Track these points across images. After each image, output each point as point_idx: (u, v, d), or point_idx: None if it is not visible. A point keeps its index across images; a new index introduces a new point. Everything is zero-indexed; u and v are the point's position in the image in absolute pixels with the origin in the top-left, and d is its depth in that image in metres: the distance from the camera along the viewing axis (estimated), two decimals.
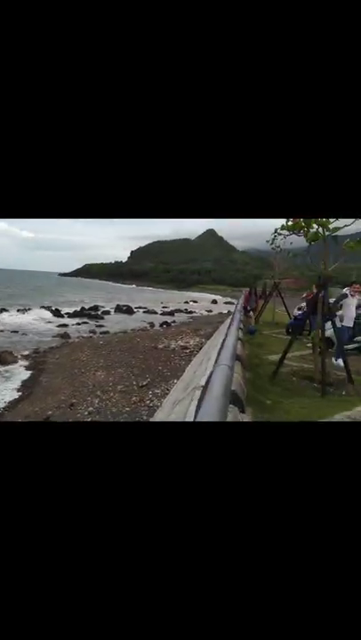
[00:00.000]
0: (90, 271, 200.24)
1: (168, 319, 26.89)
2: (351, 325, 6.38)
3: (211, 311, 37.21)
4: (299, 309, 9.24)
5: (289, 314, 11.75)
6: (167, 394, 7.94)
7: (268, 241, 11.64)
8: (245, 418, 3.51)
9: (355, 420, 3.73)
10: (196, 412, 1.66)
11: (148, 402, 7.98)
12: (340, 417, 3.77)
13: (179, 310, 35.65)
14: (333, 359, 6.13)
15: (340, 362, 5.47)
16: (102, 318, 26.42)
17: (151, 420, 6.46)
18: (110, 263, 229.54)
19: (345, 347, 6.68)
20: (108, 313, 30.02)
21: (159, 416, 6.31)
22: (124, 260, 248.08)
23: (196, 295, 72.33)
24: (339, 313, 6.18)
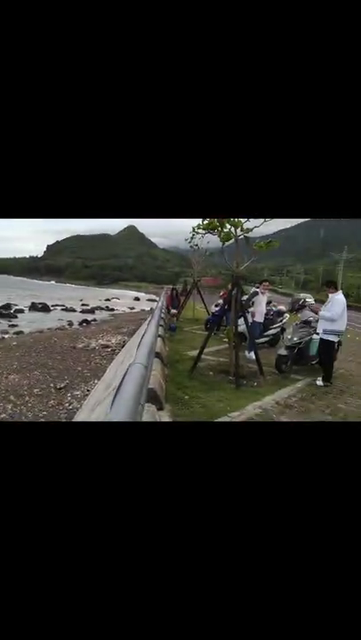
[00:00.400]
0: (1, 266, 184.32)
1: (88, 317, 26.03)
2: (262, 321, 6.86)
3: (133, 308, 37.00)
4: (216, 306, 9.65)
5: (208, 310, 12.22)
6: (88, 395, 7.68)
7: (186, 239, 11.92)
8: (164, 415, 3.55)
9: (265, 409, 4.02)
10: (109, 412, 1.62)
11: (66, 404, 7.62)
12: (251, 407, 4.03)
13: (100, 308, 34.75)
14: (246, 353, 6.54)
15: (253, 355, 5.85)
16: (15, 317, 24.46)
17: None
18: (24, 258, 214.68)
19: (257, 341, 7.17)
20: (21, 311, 27.93)
21: (80, 418, 6.07)
22: (39, 255, 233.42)
23: (117, 292, 71.24)
24: (251, 309, 6.60)
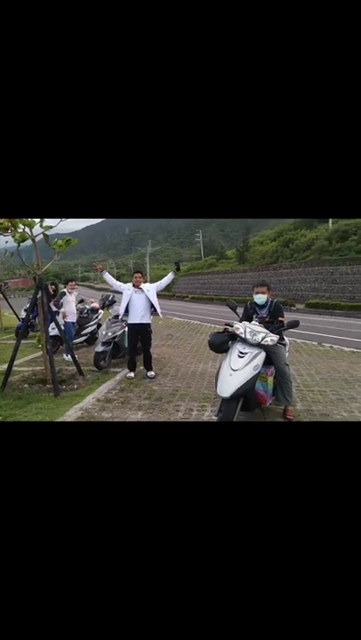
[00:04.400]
0: None
1: None
2: (74, 320, 6.77)
3: None
4: (25, 310, 8.92)
5: (18, 316, 11.20)
6: None
7: None
8: None
9: (86, 409, 4.02)
10: None
11: None
12: (72, 411, 3.96)
13: None
14: (65, 355, 6.35)
15: (70, 357, 5.73)
16: None
17: None
18: None
19: (74, 341, 7.06)
20: None
21: None
22: None
23: None
24: (62, 310, 6.41)
